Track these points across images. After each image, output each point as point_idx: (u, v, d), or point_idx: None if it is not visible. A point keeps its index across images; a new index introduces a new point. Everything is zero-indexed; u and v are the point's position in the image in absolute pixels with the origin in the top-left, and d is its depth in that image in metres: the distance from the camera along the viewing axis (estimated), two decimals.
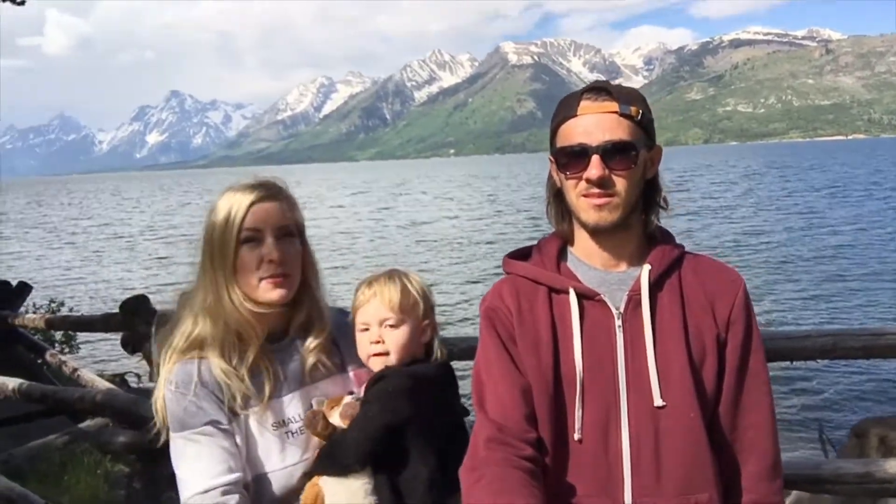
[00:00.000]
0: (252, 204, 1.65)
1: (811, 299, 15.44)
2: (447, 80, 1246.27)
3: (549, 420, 1.48)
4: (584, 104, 1.48)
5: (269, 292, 1.67)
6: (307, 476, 1.66)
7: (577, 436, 1.47)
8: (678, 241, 1.60)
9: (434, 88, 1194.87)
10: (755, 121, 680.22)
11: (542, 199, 1.65)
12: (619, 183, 1.46)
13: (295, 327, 1.78)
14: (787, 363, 3.86)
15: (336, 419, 1.66)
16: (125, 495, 3.99)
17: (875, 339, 2.98)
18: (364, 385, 1.71)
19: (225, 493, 1.56)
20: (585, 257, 1.57)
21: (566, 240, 1.61)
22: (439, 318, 1.82)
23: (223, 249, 1.65)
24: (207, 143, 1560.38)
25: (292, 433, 1.70)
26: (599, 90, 1.49)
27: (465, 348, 2.98)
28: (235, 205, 1.65)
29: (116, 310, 5.09)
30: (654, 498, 1.45)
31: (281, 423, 1.70)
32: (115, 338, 5.22)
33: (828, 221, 29.34)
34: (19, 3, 8.95)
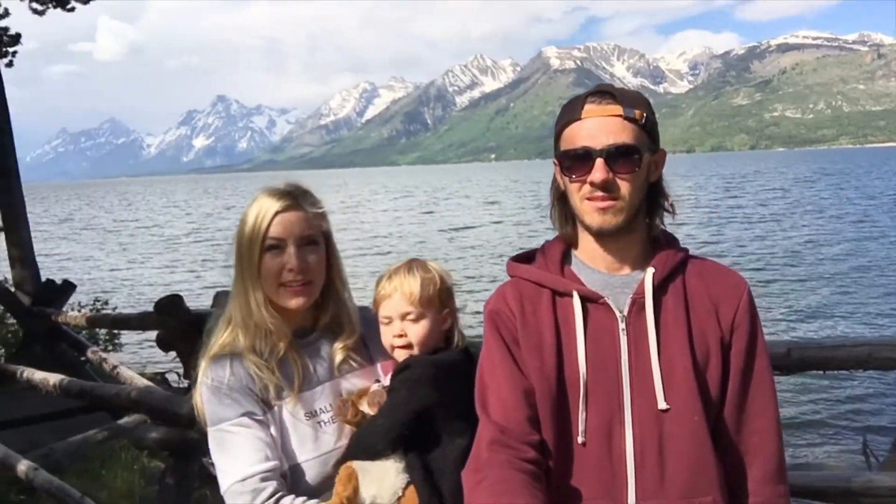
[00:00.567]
0: (277, 213, 1.73)
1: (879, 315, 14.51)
2: (489, 84, 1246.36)
3: (552, 423, 1.48)
4: (588, 107, 1.48)
5: (289, 299, 1.76)
6: (340, 463, 1.73)
7: (580, 439, 1.47)
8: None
9: (476, 93, 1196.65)
10: (803, 126, 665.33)
11: None
12: (623, 186, 1.46)
13: (321, 326, 1.86)
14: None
15: (365, 407, 1.74)
16: (157, 490, 4.07)
17: None
18: (390, 373, 1.78)
19: (263, 480, 1.64)
20: (589, 260, 1.57)
21: (570, 243, 1.61)
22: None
23: (250, 255, 1.74)
24: (252, 147, 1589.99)
25: (324, 423, 1.78)
26: (603, 94, 1.49)
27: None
28: (261, 213, 1.74)
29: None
30: (658, 501, 1.44)
31: (313, 414, 1.78)
32: None
33: (885, 231, 28.12)
34: (69, 10, 9.23)
